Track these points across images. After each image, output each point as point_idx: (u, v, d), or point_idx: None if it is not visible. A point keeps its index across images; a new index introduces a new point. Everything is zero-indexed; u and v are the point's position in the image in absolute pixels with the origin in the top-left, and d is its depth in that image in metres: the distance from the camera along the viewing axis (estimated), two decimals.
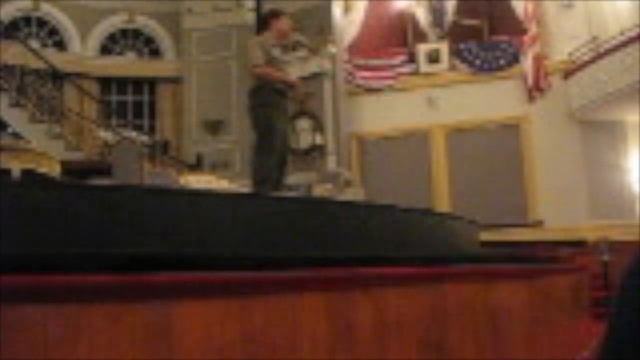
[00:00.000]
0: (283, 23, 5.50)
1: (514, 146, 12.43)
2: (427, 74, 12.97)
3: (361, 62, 13.49)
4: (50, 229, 2.30)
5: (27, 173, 5.13)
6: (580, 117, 11.89)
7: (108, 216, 2.50)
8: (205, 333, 1.77)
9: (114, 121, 12.57)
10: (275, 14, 5.62)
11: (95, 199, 2.53)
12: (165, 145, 12.44)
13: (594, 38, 11.80)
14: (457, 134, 12.71)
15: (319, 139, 12.68)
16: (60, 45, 13.51)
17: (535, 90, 12.29)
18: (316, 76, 12.79)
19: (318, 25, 12.89)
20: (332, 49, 12.72)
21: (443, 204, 12.09)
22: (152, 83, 14.08)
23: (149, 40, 14.24)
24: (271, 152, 5.10)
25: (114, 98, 13.87)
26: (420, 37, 13.40)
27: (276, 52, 5.37)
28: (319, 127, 12.72)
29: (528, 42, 12.30)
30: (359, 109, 13.21)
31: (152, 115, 14.09)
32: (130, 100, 14.04)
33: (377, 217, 4.23)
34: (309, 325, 2.14)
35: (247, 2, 13.71)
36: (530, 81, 12.28)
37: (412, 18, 13.50)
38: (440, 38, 13.30)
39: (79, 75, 12.73)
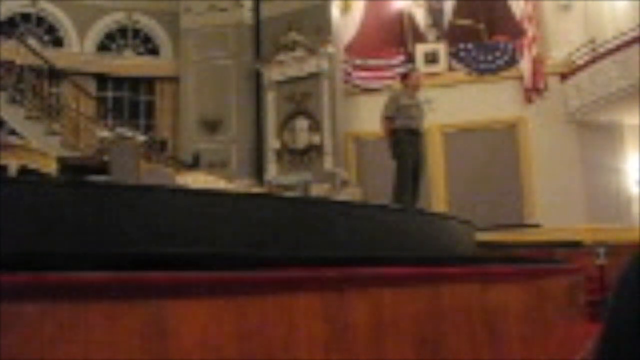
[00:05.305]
0: (411, 78, 7.26)
1: (511, 147, 12.44)
2: (425, 75, 12.97)
3: (359, 62, 13.49)
4: (46, 226, 2.30)
5: (23, 170, 5.12)
6: (578, 119, 11.90)
7: (105, 214, 2.50)
8: (202, 332, 1.77)
9: (111, 119, 12.56)
10: (405, 74, 7.55)
11: (92, 197, 2.53)
12: (162, 144, 12.44)
13: (592, 40, 11.81)
14: (455, 134, 12.72)
15: (316, 139, 12.69)
16: (58, 42, 13.50)
17: (533, 91, 12.30)
18: (314, 76, 12.80)
19: (316, 25, 12.89)
20: (330, 49, 12.73)
21: (440, 205, 12.10)
22: (149, 82, 14.07)
23: (147, 39, 14.23)
24: (406, 176, 6.80)
25: (112, 96, 13.85)
26: (419, 37, 13.41)
27: (404, 101, 7.02)
28: (316, 126, 12.73)
29: (526, 43, 12.32)
30: (356, 108, 13.21)
31: (150, 113, 14.08)
32: (127, 98, 14.02)
33: (374, 217, 4.23)
34: (305, 325, 2.14)
35: (246, 2, 13.71)
36: (527, 82, 12.29)
37: (410, 18, 13.50)
38: (439, 39, 13.31)
39: (77, 73, 12.71)
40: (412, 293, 2.82)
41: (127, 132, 9.79)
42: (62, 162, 6.51)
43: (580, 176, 11.85)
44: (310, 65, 12.83)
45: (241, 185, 9.68)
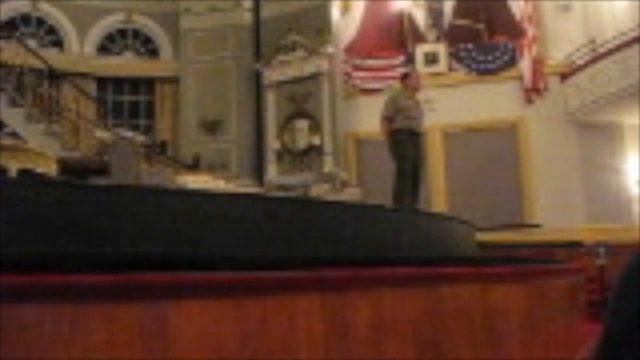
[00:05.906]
0: (411, 79, 7.30)
1: (512, 147, 12.44)
2: (426, 75, 12.96)
3: (359, 62, 13.49)
4: (46, 227, 2.30)
5: (24, 172, 5.13)
6: (578, 119, 11.90)
7: (105, 216, 2.50)
8: (202, 333, 1.77)
9: (111, 120, 12.56)
10: (405, 75, 7.58)
11: (92, 198, 2.52)
12: (162, 145, 12.44)
13: (592, 40, 11.81)
14: (455, 134, 12.72)
15: (316, 139, 12.68)
16: (58, 44, 13.50)
17: (533, 92, 12.30)
18: (314, 76, 12.81)
19: (316, 26, 12.89)
20: (330, 49, 12.73)
21: (440, 205, 12.10)
22: (149, 83, 14.08)
23: (147, 40, 14.23)
24: (405, 177, 6.78)
25: (112, 97, 13.86)
26: (419, 37, 13.41)
27: (404, 101, 7.00)
28: (316, 127, 12.73)
29: (526, 43, 12.32)
30: (356, 109, 13.21)
31: (150, 115, 14.09)
32: (127, 100, 14.03)
33: (373, 217, 4.23)
34: (305, 325, 2.14)
35: (245, 3, 13.72)
36: (527, 83, 12.29)
37: (410, 19, 13.50)
38: (439, 39, 13.31)
39: (77, 74, 12.71)
40: (412, 294, 2.82)
41: (127, 133, 9.79)
42: (62, 163, 6.52)
43: (580, 176, 11.84)
44: (311, 66, 12.84)
45: (241, 186, 9.68)
